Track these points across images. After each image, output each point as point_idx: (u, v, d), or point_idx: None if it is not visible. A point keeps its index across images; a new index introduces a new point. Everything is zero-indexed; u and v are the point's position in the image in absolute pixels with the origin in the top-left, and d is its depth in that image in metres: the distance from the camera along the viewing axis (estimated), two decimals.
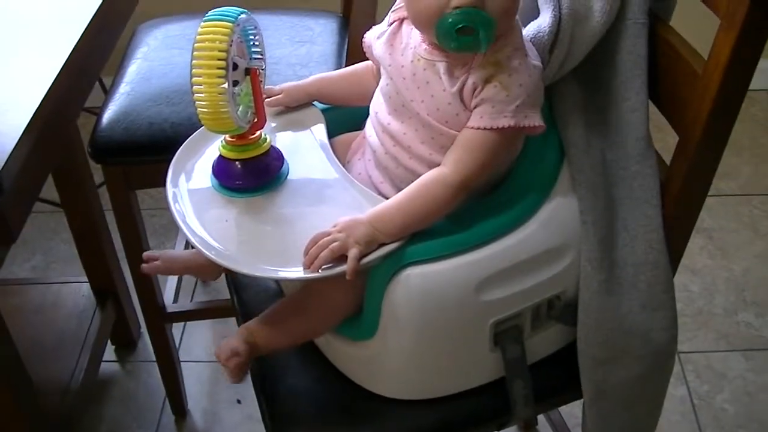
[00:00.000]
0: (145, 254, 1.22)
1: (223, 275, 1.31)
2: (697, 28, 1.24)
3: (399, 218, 1.03)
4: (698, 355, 2.05)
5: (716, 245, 2.34)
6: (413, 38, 1.08)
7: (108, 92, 1.69)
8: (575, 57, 1.11)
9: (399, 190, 1.06)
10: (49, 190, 1.68)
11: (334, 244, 1.00)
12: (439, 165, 1.05)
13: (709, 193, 1.13)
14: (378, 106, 1.13)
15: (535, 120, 1.04)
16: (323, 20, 1.90)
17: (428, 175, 1.04)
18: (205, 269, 1.23)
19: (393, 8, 1.13)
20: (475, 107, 1.03)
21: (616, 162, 1.13)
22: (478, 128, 1.03)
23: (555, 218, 1.10)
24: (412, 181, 1.05)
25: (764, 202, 2.48)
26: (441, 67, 1.05)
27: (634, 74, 1.11)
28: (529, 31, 1.09)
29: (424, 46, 1.06)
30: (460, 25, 0.98)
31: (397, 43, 1.10)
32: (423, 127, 1.07)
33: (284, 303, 1.13)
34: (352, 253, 1.00)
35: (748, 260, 2.30)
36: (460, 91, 1.04)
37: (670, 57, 1.11)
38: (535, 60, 1.06)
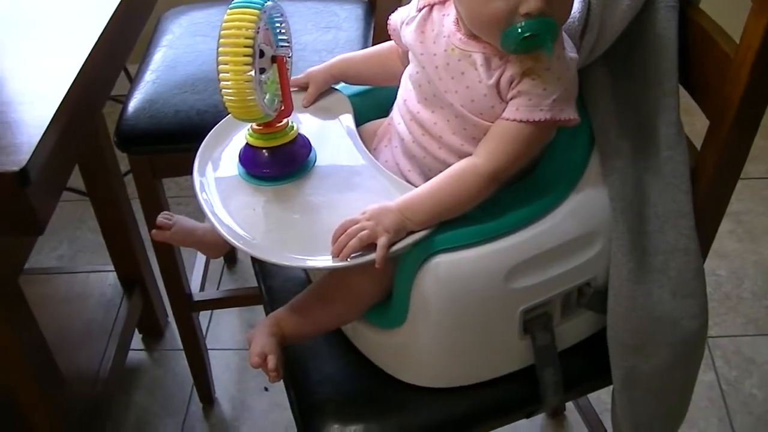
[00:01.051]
0: (160, 217, 1.19)
1: (224, 251, 1.29)
2: (728, 11, 1.22)
3: (429, 206, 1.02)
4: (726, 339, 2.03)
5: (744, 229, 2.32)
6: (446, 26, 1.07)
7: (133, 80, 1.69)
8: (605, 41, 1.10)
9: (428, 178, 1.06)
10: (75, 178, 1.68)
11: (363, 232, 0.99)
12: (469, 155, 1.04)
13: None
14: (407, 93, 1.12)
15: (570, 113, 1.03)
16: (349, 6, 1.89)
17: (460, 165, 1.04)
18: (215, 247, 1.22)
19: None
20: (511, 99, 1.03)
21: (646, 148, 1.11)
22: (514, 120, 1.02)
23: (584, 205, 1.09)
24: (441, 171, 1.04)
25: None
26: (478, 58, 1.04)
27: (665, 58, 1.09)
28: None
29: (459, 36, 1.05)
30: (528, 33, 0.97)
31: (428, 31, 1.08)
32: (456, 117, 1.06)
33: (311, 291, 1.13)
34: (382, 241, 0.99)
35: None
36: (497, 83, 1.03)
37: (701, 40, 1.09)
38: (571, 52, 1.05)
